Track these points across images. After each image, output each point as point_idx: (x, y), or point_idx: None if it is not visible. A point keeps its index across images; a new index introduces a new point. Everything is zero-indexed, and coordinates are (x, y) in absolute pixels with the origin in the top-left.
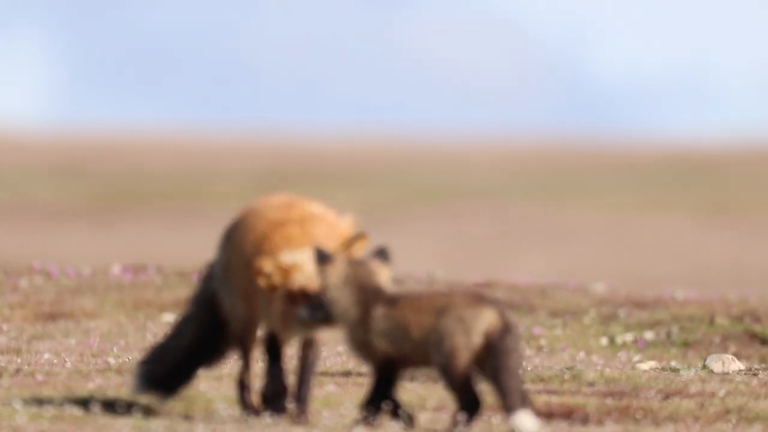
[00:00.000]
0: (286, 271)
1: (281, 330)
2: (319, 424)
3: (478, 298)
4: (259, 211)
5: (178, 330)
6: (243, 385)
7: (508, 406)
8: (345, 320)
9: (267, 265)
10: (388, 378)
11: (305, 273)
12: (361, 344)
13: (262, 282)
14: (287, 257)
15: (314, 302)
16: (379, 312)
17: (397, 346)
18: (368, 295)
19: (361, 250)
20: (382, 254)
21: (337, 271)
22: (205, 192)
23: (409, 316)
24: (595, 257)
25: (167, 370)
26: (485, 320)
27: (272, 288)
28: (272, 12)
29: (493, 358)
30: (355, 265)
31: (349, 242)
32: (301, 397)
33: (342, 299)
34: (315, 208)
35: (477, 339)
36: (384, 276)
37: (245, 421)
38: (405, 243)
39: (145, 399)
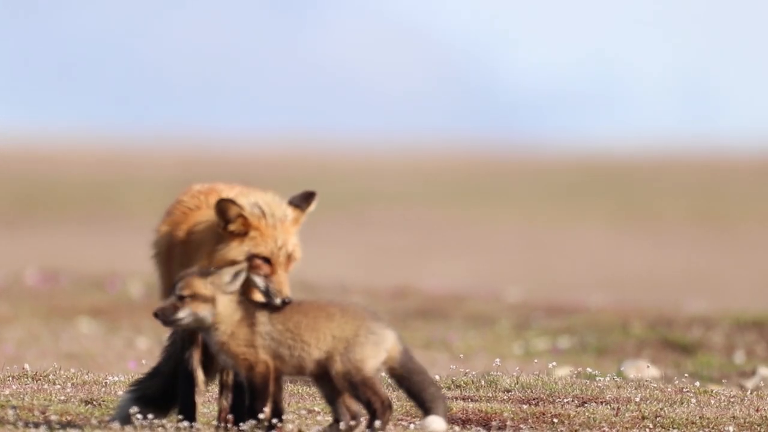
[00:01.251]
0: (248, 224)
1: None
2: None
3: (377, 315)
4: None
5: (170, 345)
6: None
7: (432, 410)
8: (230, 324)
9: (233, 208)
10: (265, 385)
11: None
12: (247, 343)
13: (221, 224)
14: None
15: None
16: (264, 317)
17: (280, 348)
18: (251, 301)
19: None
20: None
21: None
22: (117, 199)
23: (300, 321)
24: (510, 264)
25: (160, 388)
26: (390, 339)
27: (229, 235)
28: (183, 20)
29: (412, 375)
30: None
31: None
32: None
33: (230, 304)
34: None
35: (383, 355)
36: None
37: (164, 427)
38: (318, 250)
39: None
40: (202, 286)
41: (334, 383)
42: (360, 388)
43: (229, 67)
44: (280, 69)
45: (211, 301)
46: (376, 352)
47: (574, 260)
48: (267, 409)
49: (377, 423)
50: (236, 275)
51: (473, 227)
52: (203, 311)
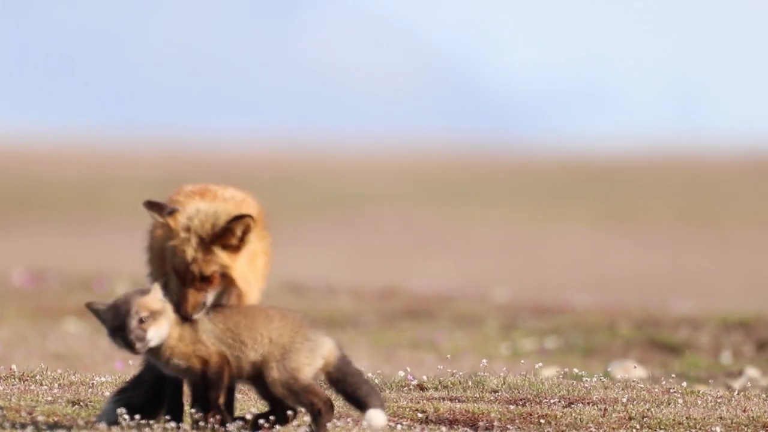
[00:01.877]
0: (170, 232)
1: None
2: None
3: (315, 324)
4: None
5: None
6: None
7: (370, 404)
8: (178, 329)
9: (152, 214)
10: (220, 375)
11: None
12: (195, 341)
13: (161, 229)
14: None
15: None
16: (204, 317)
17: (222, 347)
18: None
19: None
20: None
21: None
22: (104, 199)
23: (239, 321)
24: (497, 264)
25: (144, 397)
26: (327, 346)
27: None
28: (172, 21)
29: (347, 377)
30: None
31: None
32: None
33: (173, 313)
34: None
35: (319, 362)
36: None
37: (150, 428)
38: (305, 250)
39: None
40: (153, 303)
41: (269, 389)
42: (301, 394)
43: (217, 68)
44: (268, 69)
45: (164, 314)
46: (311, 359)
47: (561, 260)
48: (221, 399)
49: (322, 421)
50: (163, 288)
51: (461, 227)
52: (164, 326)
